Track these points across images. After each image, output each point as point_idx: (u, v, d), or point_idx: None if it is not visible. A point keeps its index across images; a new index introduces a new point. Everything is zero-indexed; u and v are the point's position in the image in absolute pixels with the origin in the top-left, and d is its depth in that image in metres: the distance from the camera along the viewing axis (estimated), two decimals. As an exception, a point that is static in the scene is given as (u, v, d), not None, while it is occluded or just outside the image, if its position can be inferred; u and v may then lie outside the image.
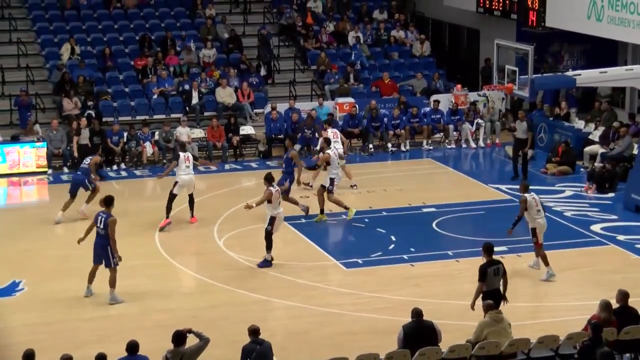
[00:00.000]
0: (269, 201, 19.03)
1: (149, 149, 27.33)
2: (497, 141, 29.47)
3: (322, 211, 21.99)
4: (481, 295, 14.99)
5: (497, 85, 23.67)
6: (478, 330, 13.73)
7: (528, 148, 25.15)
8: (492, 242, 15.68)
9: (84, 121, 26.59)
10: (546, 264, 18.24)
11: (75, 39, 31.13)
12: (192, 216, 21.97)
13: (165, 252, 20.11)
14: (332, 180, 21.95)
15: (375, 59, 33.16)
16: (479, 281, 14.93)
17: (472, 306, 14.95)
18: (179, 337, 12.65)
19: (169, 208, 21.50)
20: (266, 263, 19.15)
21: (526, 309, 16.73)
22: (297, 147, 26.03)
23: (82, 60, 30.28)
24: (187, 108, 29.69)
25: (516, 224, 18.48)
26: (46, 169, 26.50)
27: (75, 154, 25.94)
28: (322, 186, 22.01)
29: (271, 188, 19.13)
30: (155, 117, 29.38)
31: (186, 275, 18.93)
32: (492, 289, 14.96)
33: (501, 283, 15.23)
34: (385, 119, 29.02)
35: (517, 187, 24.25)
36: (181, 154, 21.91)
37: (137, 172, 26.68)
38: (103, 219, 17.36)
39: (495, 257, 15.19)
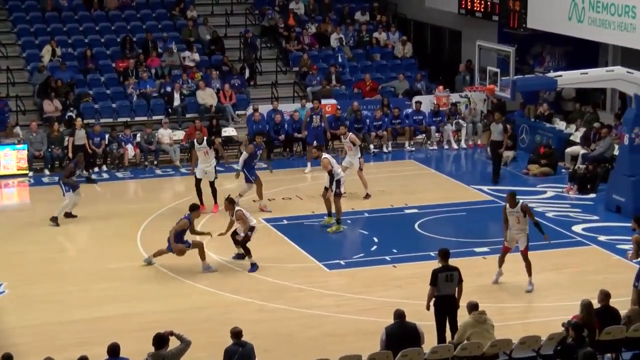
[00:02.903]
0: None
1: (130, 151, 27.31)
2: (479, 142, 29.56)
3: (329, 214, 21.88)
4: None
5: (479, 87, 23.76)
6: (461, 330, 13.81)
7: (504, 149, 25.27)
8: (449, 248, 15.50)
9: (79, 122, 26.50)
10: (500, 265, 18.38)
11: (56, 40, 31.03)
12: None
13: (147, 254, 20.03)
14: (338, 182, 21.54)
15: (357, 61, 33.22)
16: (430, 285, 14.91)
17: (427, 308, 14.98)
18: (160, 340, 12.64)
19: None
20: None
21: (508, 310, 16.79)
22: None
23: (63, 62, 30.22)
24: (169, 110, 29.67)
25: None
26: (27, 172, 26.41)
27: (70, 155, 25.86)
28: (326, 188, 21.73)
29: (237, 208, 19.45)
30: (137, 119, 29.33)
31: (168, 277, 18.90)
32: (443, 294, 14.85)
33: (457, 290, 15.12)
34: (367, 121, 29.08)
35: (499, 188, 24.57)
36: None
37: (119, 175, 26.64)
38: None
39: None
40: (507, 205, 18.07)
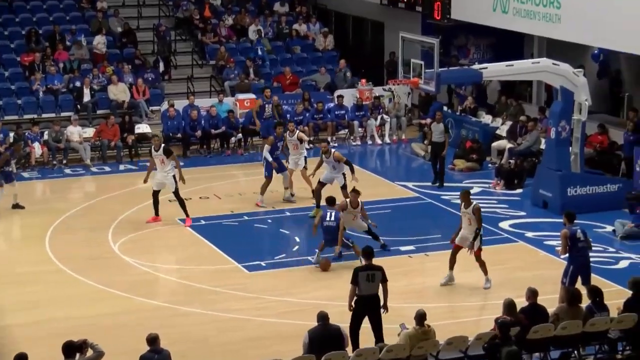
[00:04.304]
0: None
1: (37, 149, 26.92)
2: (403, 137, 29.77)
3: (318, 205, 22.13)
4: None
5: (402, 80, 23.88)
6: (402, 340, 13.70)
7: (445, 151, 24.76)
8: (372, 247, 15.67)
9: None
10: (451, 267, 18.44)
11: (-44, 33, 30.54)
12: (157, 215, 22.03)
13: (56, 258, 19.84)
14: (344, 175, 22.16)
15: (277, 53, 33.21)
16: (351, 283, 14.98)
17: (350, 308, 15.00)
18: (69, 348, 12.43)
19: None
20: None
21: (434, 310, 16.88)
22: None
23: (-37, 56, 29.74)
24: (79, 106, 29.31)
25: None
26: None
27: None
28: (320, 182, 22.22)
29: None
30: (44, 115, 28.95)
31: (79, 282, 18.68)
32: (365, 294, 14.86)
33: (381, 290, 15.14)
34: (288, 116, 29.08)
35: (427, 184, 24.79)
36: None
37: (25, 174, 26.22)
38: (333, 213, 19.24)
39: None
40: (461, 204, 18.19)
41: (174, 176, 21.54)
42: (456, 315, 17.15)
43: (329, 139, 27.85)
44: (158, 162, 21.65)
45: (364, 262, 15.20)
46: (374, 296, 14.95)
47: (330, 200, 19.67)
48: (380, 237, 20.00)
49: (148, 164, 22.66)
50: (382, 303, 15.07)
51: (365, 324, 14.95)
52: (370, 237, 19.83)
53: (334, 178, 22.11)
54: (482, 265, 18.14)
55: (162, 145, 21.98)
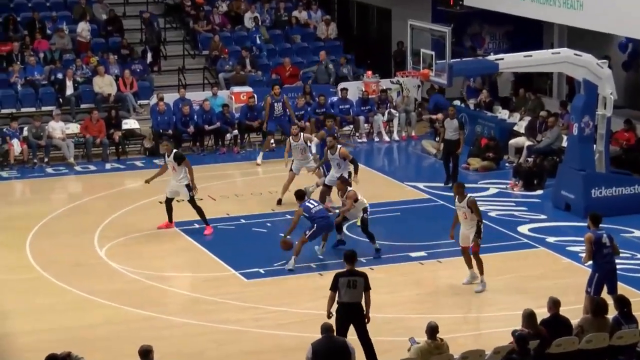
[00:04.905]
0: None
1: (17, 146, 26.92)
2: (413, 134, 29.76)
3: None
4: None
5: (411, 72, 23.88)
6: (413, 355, 13.67)
7: (461, 149, 24.64)
8: (354, 250, 15.66)
9: None
10: (470, 266, 18.59)
11: None
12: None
13: (37, 264, 19.86)
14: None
15: (275, 43, 33.21)
16: (330, 289, 15.02)
17: (328, 315, 14.99)
18: (53, 361, 12.49)
19: None
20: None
21: (448, 321, 16.88)
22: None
23: (-64, 45, 29.80)
24: (61, 100, 29.33)
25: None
26: None
27: None
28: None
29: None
30: (24, 110, 28.98)
31: (62, 290, 18.68)
32: (345, 301, 14.87)
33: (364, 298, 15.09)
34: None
35: (439, 185, 24.77)
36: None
37: (4, 174, 26.26)
38: (312, 201, 19.99)
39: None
40: (455, 197, 18.39)
41: (187, 185, 21.41)
42: (472, 327, 17.16)
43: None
44: (170, 169, 21.57)
45: (346, 267, 15.19)
46: (357, 304, 14.94)
47: (300, 195, 19.99)
48: (376, 240, 20.12)
49: (160, 166, 22.48)
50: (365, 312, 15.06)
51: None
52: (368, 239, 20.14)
53: None
54: (479, 263, 18.18)
55: (174, 150, 21.79)
